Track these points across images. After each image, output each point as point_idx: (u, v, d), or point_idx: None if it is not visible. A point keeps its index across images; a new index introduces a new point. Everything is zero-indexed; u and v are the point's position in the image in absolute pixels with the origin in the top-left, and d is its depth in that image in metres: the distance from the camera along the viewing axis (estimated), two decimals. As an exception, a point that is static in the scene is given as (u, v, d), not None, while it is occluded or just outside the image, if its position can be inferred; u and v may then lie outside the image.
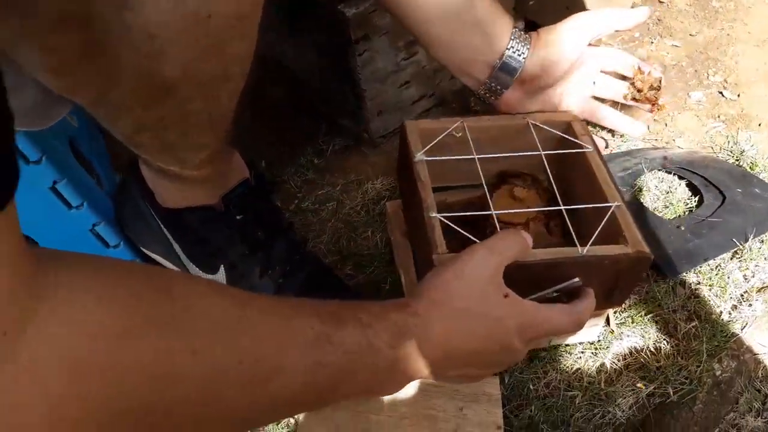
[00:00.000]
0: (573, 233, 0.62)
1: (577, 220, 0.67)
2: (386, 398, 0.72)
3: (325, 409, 0.72)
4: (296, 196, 0.98)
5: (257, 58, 0.57)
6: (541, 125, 0.70)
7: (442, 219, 0.61)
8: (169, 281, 0.35)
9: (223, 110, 0.59)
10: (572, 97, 0.73)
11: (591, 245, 0.60)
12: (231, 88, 0.57)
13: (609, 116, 0.75)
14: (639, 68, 0.71)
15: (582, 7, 1.12)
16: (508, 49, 0.65)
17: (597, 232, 0.62)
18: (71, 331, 0.28)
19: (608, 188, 0.66)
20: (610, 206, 0.64)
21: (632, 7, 1.26)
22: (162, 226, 0.75)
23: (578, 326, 0.56)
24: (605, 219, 0.63)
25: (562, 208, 0.65)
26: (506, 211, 0.68)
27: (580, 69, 0.70)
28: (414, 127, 0.69)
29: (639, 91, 0.72)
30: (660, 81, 0.71)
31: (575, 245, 0.61)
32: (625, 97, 0.73)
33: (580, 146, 0.69)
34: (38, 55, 0.45)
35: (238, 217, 0.74)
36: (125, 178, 0.78)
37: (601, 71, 0.73)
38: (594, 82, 0.73)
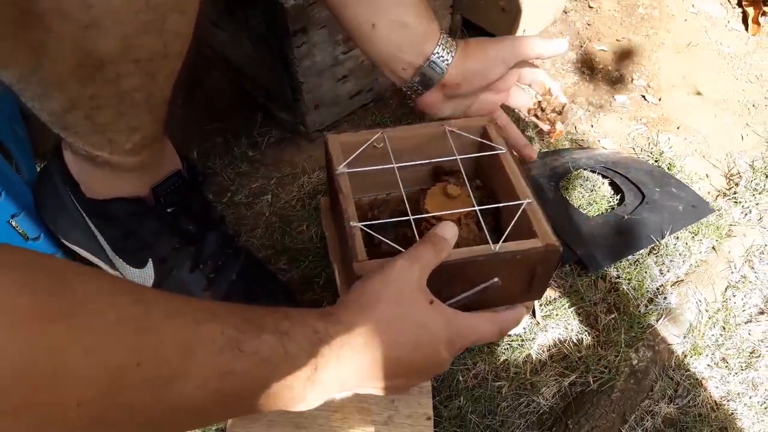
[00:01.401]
0: (486, 231, 0.65)
1: (501, 218, 0.71)
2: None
3: (257, 404, 0.71)
4: (229, 188, 0.97)
5: (195, 39, 0.56)
6: (457, 131, 0.73)
7: (363, 228, 0.64)
8: (68, 273, 0.33)
9: (159, 89, 0.57)
10: (484, 105, 0.76)
11: (504, 241, 0.64)
12: (169, 67, 0.56)
13: (510, 131, 0.79)
14: (549, 90, 0.75)
15: (516, 7, 1.15)
16: (434, 54, 0.67)
17: (509, 229, 0.66)
18: None
19: (520, 186, 0.69)
20: (522, 203, 0.67)
21: (564, 11, 1.30)
22: (86, 217, 0.72)
23: (501, 335, 0.58)
24: (517, 215, 0.66)
25: (476, 208, 0.68)
26: (426, 215, 0.71)
27: (498, 80, 0.73)
28: (335, 140, 0.72)
29: (542, 110, 0.76)
30: (563, 107, 0.75)
31: (506, 239, 0.64)
32: (528, 112, 0.77)
33: (494, 148, 0.72)
34: None
35: (168, 210, 0.72)
36: (46, 166, 0.74)
37: (516, 82, 0.77)
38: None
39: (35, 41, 0.46)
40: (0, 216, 0.70)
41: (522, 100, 0.77)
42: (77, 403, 0.31)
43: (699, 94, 1.19)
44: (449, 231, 0.58)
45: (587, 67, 1.22)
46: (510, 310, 0.59)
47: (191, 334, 0.37)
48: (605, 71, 1.22)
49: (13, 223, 0.71)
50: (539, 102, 0.76)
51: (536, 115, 0.77)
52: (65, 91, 0.52)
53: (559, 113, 0.75)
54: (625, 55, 1.25)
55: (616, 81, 1.20)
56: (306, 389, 0.44)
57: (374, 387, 0.50)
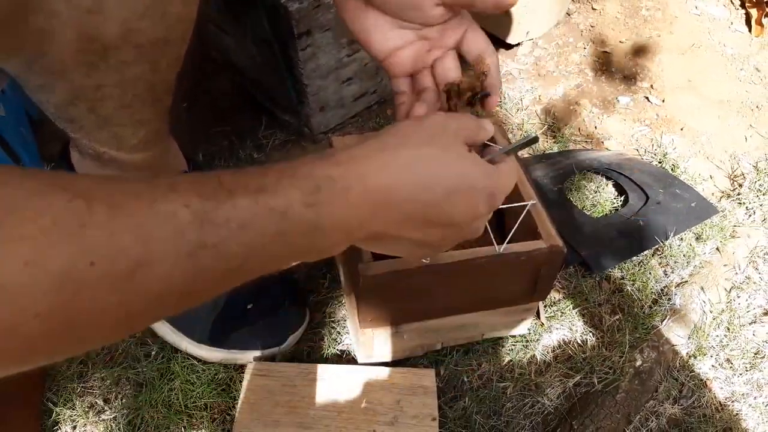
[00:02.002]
0: (490, 232, 0.65)
1: (505, 219, 0.71)
2: (324, 393, 0.73)
3: (263, 406, 0.72)
4: (236, 190, 0.97)
5: (200, 38, 0.56)
6: None
7: None
8: None
9: (162, 79, 0.57)
10: (413, 57, 0.57)
11: (508, 243, 0.64)
12: (171, 54, 0.56)
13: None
14: (483, 71, 0.56)
15: (520, 9, 1.15)
16: None
17: (514, 230, 0.66)
18: None
19: (524, 188, 0.70)
20: (526, 205, 0.67)
21: (567, 12, 1.31)
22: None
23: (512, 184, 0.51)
24: (521, 217, 0.67)
25: None
26: None
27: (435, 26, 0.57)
28: (340, 142, 0.73)
29: (458, 95, 0.57)
30: (483, 97, 0.56)
31: (511, 240, 0.64)
32: (443, 88, 0.57)
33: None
34: None
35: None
36: (54, 167, 0.74)
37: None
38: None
39: (38, 27, 0.46)
40: (8, 218, 0.70)
41: (452, 72, 0.58)
42: (34, 315, 0.29)
43: (702, 95, 1.19)
44: (489, 125, 0.51)
45: (591, 68, 1.23)
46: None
47: (147, 217, 0.33)
48: (609, 73, 1.22)
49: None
50: (459, 83, 0.57)
51: (447, 98, 0.57)
52: (68, 81, 0.52)
53: (473, 104, 0.57)
54: (628, 56, 1.26)
55: (619, 82, 1.21)
56: (316, 238, 0.39)
57: (405, 236, 0.44)
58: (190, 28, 0.55)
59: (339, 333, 0.82)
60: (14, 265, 0.28)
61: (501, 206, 0.71)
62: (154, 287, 0.33)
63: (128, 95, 0.56)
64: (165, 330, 0.78)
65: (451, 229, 0.45)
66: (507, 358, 0.80)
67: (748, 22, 1.35)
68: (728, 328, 0.85)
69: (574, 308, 0.86)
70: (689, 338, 0.84)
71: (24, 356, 0.31)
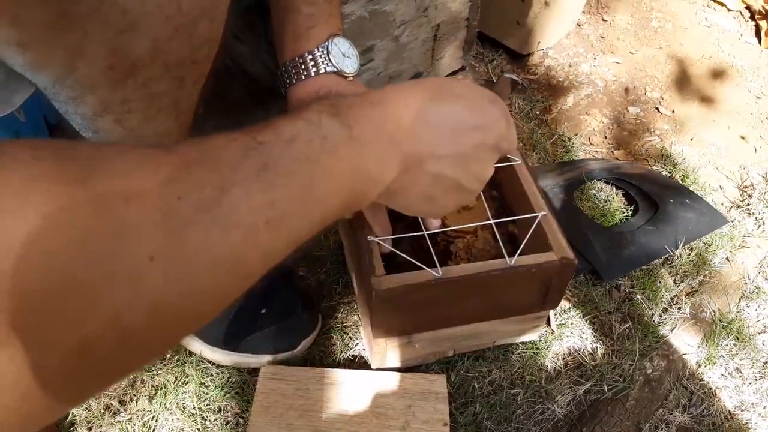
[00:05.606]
0: (501, 243, 0.65)
1: (516, 229, 0.72)
2: (337, 397, 0.74)
3: (277, 409, 0.73)
4: (249, 196, 0.98)
5: (224, 49, 0.58)
6: None
7: (380, 242, 0.65)
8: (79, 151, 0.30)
9: (187, 94, 0.59)
10: None
11: (519, 255, 0.64)
12: (197, 72, 0.57)
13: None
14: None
15: (531, 20, 1.16)
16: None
17: (524, 242, 0.66)
18: None
19: (535, 199, 0.70)
20: (537, 216, 0.67)
21: (578, 23, 1.32)
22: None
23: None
24: (532, 228, 0.67)
25: (492, 221, 0.68)
26: (439, 230, 0.70)
27: None
28: None
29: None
30: None
31: (522, 252, 0.64)
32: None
33: (509, 160, 0.73)
34: (7, 29, 0.45)
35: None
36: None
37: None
38: None
39: (71, 44, 0.48)
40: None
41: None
42: (148, 257, 0.29)
43: (712, 106, 1.20)
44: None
45: (601, 79, 1.24)
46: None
47: (215, 152, 0.34)
48: (619, 83, 1.23)
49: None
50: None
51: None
52: (97, 95, 0.54)
53: None
54: (638, 67, 1.27)
55: (629, 93, 1.22)
56: (358, 149, 0.41)
57: (439, 152, 0.47)
58: (216, 48, 0.57)
59: (351, 338, 0.83)
60: (118, 202, 0.28)
61: (512, 218, 0.72)
62: (242, 209, 0.33)
63: (153, 109, 0.57)
64: (180, 333, 0.79)
65: (481, 132, 0.48)
66: (517, 365, 0.81)
67: (758, 34, 1.35)
68: (737, 338, 0.86)
69: (584, 316, 0.86)
70: (699, 347, 0.85)
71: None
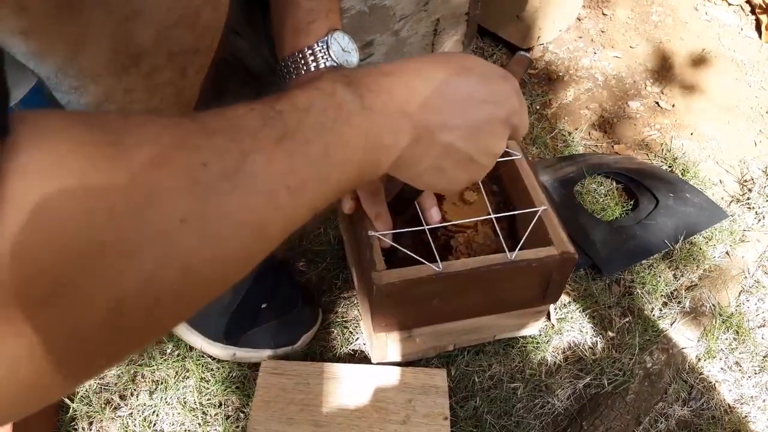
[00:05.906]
0: (501, 237, 0.65)
1: (516, 224, 0.72)
2: (337, 392, 0.74)
3: (277, 404, 0.73)
4: (249, 191, 0.98)
5: (224, 38, 0.58)
6: None
7: (380, 237, 0.65)
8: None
9: (190, 85, 0.59)
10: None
11: (520, 249, 0.64)
12: (199, 61, 0.57)
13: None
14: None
15: (531, 14, 1.16)
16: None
17: (525, 237, 0.66)
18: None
19: (535, 193, 0.70)
20: (537, 210, 0.67)
21: (578, 18, 1.32)
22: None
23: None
24: (533, 223, 0.67)
25: (492, 216, 0.68)
26: (440, 225, 0.70)
27: None
28: None
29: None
30: None
31: (522, 246, 0.64)
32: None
33: (509, 154, 0.73)
34: (11, 17, 0.45)
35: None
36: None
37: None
38: None
39: (75, 32, 0.47)
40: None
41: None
42: (180, 220, 0.30)
43: (712, 100, 1.20)
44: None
45: (601, 73, 1.24)
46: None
47: (230, 122, 0.35)
48: (619, 77, 1.23)
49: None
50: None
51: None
52: (101, 84, 0.54)
53: None
54: (638, 61, 1.26)
55: (629, 87, 1.21)
56: (370, 118, 0.41)
57: (451, 122, 0.47)
58: (218, 37, 0.56)
59: (351, 333, 0.83)
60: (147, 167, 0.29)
61: (513, 213, 0.72)
62: (264, 175, 0.34)
63: (156, 99, 0.57)
64: (181, 328, 0.79)
65: (492, 105, 0.48)
66: (518, 359, 0.81)
67: (758, 28, 1.35)
68: (737, 332, 0.86)
69: (584, 310, 0.86)
70: (699, 341, 0.85)
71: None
